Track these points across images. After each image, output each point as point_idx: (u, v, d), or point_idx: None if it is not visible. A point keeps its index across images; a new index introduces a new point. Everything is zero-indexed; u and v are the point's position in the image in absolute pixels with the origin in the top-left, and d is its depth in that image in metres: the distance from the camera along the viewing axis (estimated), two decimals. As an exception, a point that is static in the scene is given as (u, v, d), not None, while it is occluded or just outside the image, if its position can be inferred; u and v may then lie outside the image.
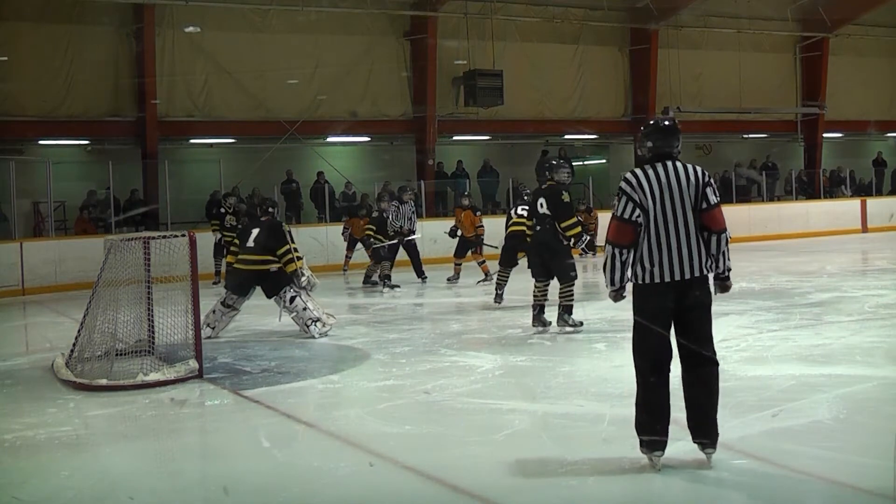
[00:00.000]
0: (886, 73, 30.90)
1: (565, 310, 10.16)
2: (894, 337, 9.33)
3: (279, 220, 11.35)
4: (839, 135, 31.14)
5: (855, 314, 10.75)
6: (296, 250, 10.80)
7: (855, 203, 28.03)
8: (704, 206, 5.18)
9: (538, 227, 10.19)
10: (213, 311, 10.87)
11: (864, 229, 27.19)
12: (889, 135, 32.40)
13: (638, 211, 5.18)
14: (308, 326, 10.60)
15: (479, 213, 16.86)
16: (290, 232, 11.07)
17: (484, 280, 15.88)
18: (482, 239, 16.66)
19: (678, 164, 5.27)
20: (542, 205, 10.14)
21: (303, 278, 10.85)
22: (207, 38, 21.78)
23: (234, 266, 10.98)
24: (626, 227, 5.22)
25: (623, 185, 5.26)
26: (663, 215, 5.17)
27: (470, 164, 25.42)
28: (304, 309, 10.62)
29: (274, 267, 10.63)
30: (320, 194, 22.56)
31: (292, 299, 10.61)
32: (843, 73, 29.44)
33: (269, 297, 10.82)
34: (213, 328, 10.78)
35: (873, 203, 28.22)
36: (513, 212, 13.13)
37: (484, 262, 16.33)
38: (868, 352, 8.47)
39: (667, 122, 5.40)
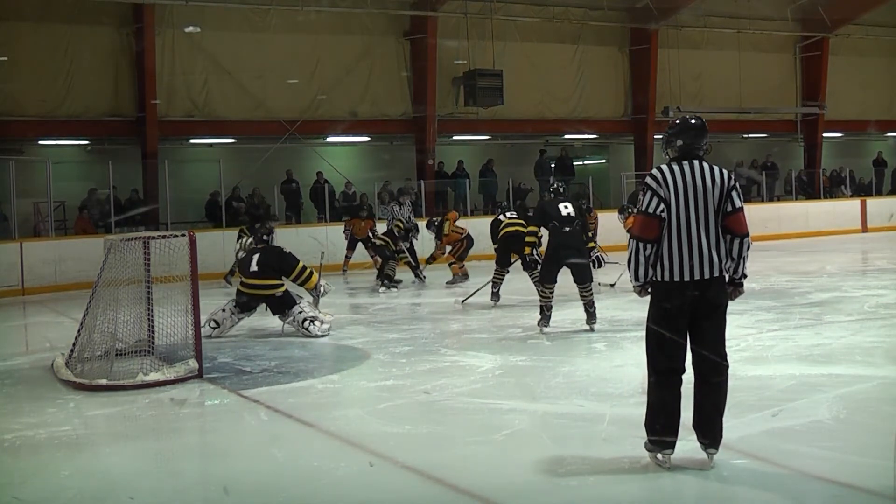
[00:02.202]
0: (886, 72, 30.88)
1: (593, 307, 10.29)
2: (894, 337, 9.34)
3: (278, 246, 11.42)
4: (839, 135, 31.15)
5: (855, 314, 10.76)
6: None
7: (855, 203, 28.03)
8: (730, 208, 5.19)
9: (566, 230, 10.14)
10: (223, 310, 10.91)
11: (864, 229, 27.19)
12: (889, 135, 32.38)
13: (662, 206, 5.18)
14: (308, 328, 10.58)
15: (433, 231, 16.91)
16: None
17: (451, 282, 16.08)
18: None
19: (704, 164, 5.27)
20: (566, 207, 10.27)
21: (320, 289, 10.98)
22: (207, 38, 21.77)
23: (239, 290, 11.05)
24: (650, 221, 5.20)
25: (648, 180, 5.28)
26: (686, 213, 5.17)
27: (470, 163, 25.41)
28: (300, 312, 10.64)
29: (279, 291, 10.71)
30: (320, 194, 22.55)
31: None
32: (842, 72, 29.43)
33: (274, 314, 10.91)
34: (220, 325, 10.80)
35: (873, 203, 28.22)
36: (501, 216, 13.44)
37: (454, 263, 16.37)
38: (868, 351, 8.48)
39: (694, 121, 5.39)
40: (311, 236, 19.82)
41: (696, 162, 5.26)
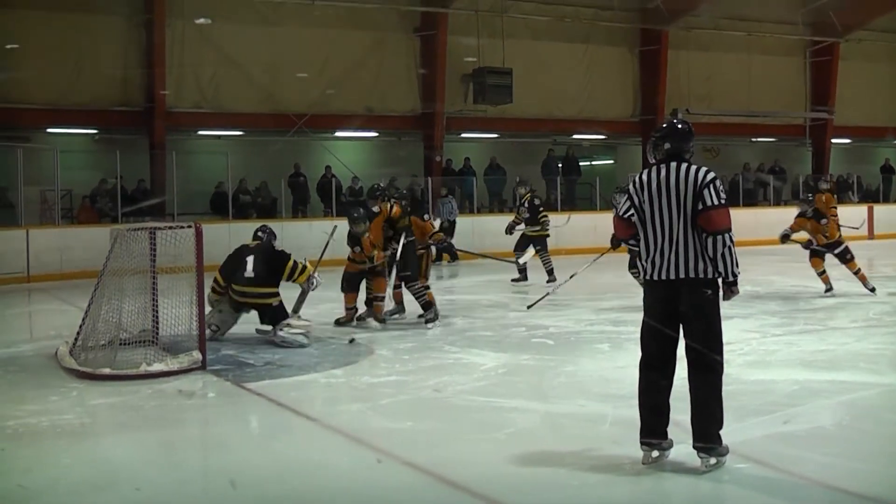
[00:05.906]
0: (896, 79, 30.82)
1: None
2: (899, 344, 9.31)
3: (271, 243, 10.61)
4: (847, 140, 31.05)
5: (860, 320, 10.75)
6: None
7: (862, 209, 27.89)
8: (700, 206, 5.18)
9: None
10: (220, 311, 10.28)
11: (871, 236, 27.08)
12: (897, 141, 32.34)
13: (632, 210, 5.39)
14: (284, 339, 9.78)
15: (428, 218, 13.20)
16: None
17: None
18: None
19: (683, 165, 5.29)
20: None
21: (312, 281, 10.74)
22: (218, 30, 21.75)
23: (230, 296, 10.11)
24: (619, 222, 5.52)
25: (629, 185, 5.44)
26: (659, 215, 5.26)
27: (477, 161, 25.37)
28: (280, 332, 9.83)
29: (275, 301, 9.93)
30: (327, 188, 22.55)
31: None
32: (852, 78, 29.31)
33: (263, 322, 10.14)
34: (220, 328, 10.25)
35: (880, 210, 28.09)
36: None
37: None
38: (872, 358, 8.46)
39: (679, 125, 5.45)
40: (324, 231, 19.75)
41: (673, 164, 5.31)
